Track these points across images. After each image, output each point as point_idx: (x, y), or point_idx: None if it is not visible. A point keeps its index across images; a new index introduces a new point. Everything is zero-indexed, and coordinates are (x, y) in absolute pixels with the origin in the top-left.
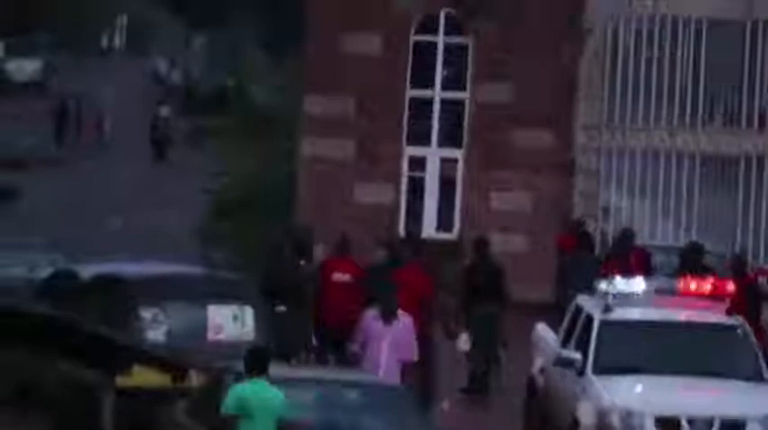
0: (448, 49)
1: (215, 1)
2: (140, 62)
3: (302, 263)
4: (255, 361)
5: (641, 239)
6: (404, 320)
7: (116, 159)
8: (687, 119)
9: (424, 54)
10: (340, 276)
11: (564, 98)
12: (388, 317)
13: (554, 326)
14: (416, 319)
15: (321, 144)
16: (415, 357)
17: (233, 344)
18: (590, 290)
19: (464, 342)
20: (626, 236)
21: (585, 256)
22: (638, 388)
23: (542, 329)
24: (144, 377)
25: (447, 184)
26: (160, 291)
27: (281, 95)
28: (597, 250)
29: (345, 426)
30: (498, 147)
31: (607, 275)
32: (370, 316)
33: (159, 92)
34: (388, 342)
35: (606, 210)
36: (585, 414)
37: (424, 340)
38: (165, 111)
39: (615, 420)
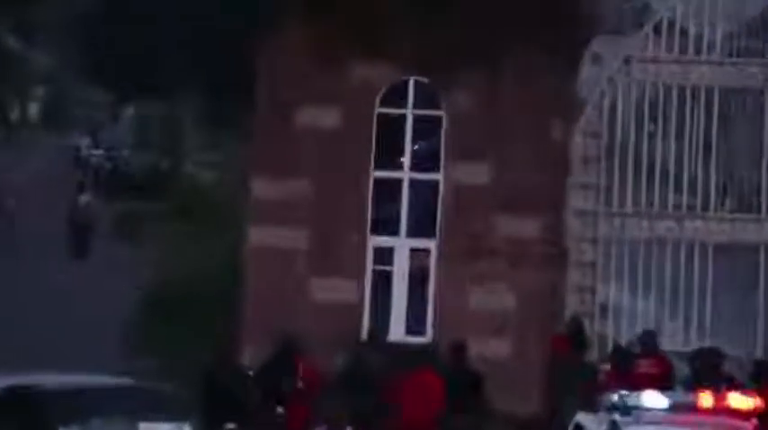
0: (418, 121)
1: (145, 68)
2: (58, 138)
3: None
4: None
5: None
6: None
7: (27, 253)
8: (698, 203)
9: (392, 127)
10: None
11: (554, 179)
12: None
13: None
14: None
15: (271, 233)
16: None
17: None
18: (589, 404)
19: None
20: (647, 339)
21: (581, 362)
22: None
23: None
24: None
25: (418, 280)
26: (83, 405)
27: (225, 177)
28: (595, 354)
29: None
30: (477, 237)
31: (608, 386)
32: None
33: (79, 173)
34: None
35: (605, 308)
36: None
37: None
38: (85, 197)
39: None
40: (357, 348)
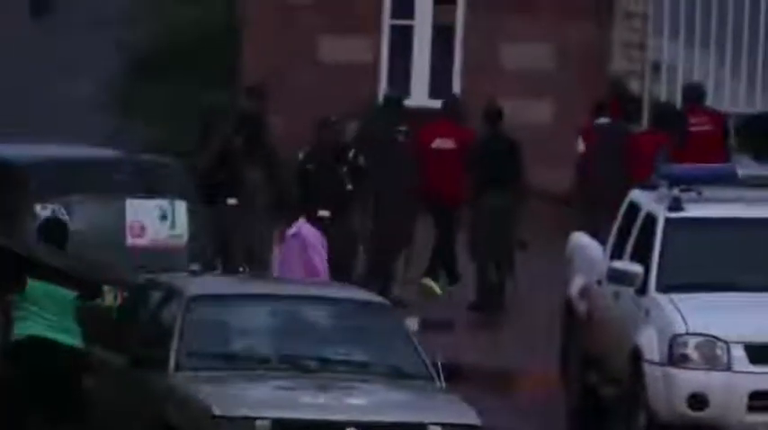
0: None
1: None
2: None
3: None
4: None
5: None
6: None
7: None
8: None
9: None
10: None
11: None
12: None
13: (589, 227)
14: None
15: None
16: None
17: (160, 249)
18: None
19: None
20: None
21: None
22: (720, 308)
23: (581, 238)
24: None
25: (442, 35)
26: (61, 180)
27: None
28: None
29: (307, 353)
30: None
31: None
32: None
33: None
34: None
35: (657, 67)
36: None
37: None
38: None
39: (692, 351)
40: (373, 114)
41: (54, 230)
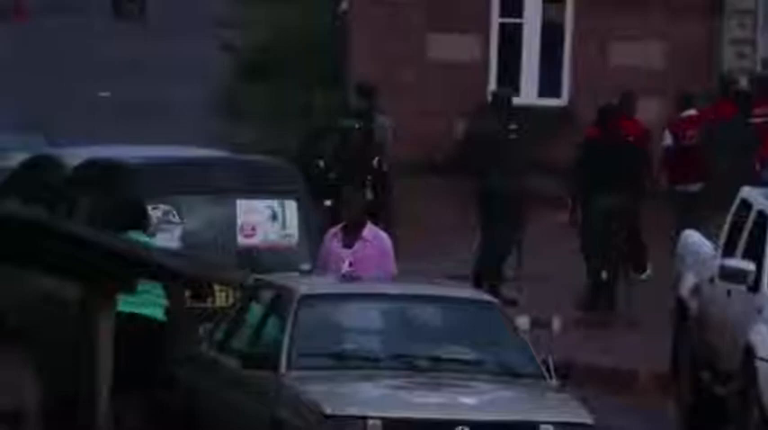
0: None
1: None
2: None
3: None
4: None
5: None
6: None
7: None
8: None
9: None
10: None
11: None
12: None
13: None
14: None
15: None
16: None
17: (271, 249)
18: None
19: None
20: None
21: (744, 125)
22: None
23: (692, 236)
24: (151, 303)
25: (552, 34)
26: (171, 181)
27: None
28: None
29: (417, 352)
30: None
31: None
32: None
33: None
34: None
35: (767, 63)
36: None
37: None
38: None
39: None
40: (482, 113)
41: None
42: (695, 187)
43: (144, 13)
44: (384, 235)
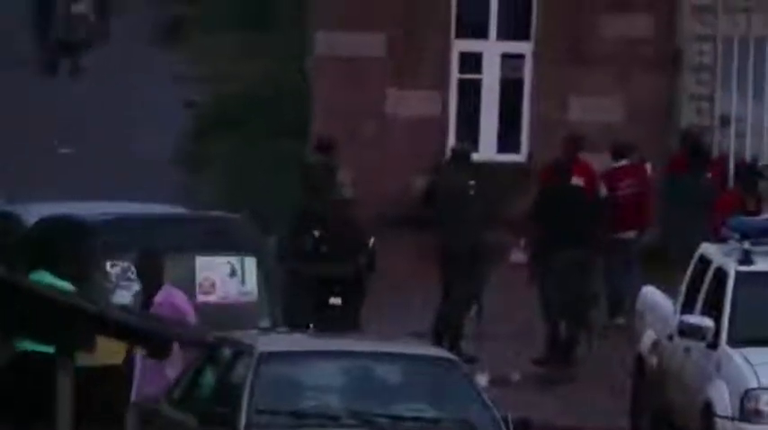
0: None
1: None
2: None
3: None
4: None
5: None
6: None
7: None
8: None
9: None
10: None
11: None
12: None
13: (663, 281)
14: None
15: (341, 38)
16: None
17: (230, 306)
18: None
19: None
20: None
21: (700, 182)
22: None
23: (651, 292)
24: (112, 352)
25: (511, 89)
26: (130, 237)
27: None
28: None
29: (378, 410)
30: (579, 38)
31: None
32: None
33: None
34: None
35: (725, 120)
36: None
37: None
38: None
39: (764, 406)
40: (441, 168)
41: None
42: (629, 235)
43: (79, 71)
44: (182, 296)
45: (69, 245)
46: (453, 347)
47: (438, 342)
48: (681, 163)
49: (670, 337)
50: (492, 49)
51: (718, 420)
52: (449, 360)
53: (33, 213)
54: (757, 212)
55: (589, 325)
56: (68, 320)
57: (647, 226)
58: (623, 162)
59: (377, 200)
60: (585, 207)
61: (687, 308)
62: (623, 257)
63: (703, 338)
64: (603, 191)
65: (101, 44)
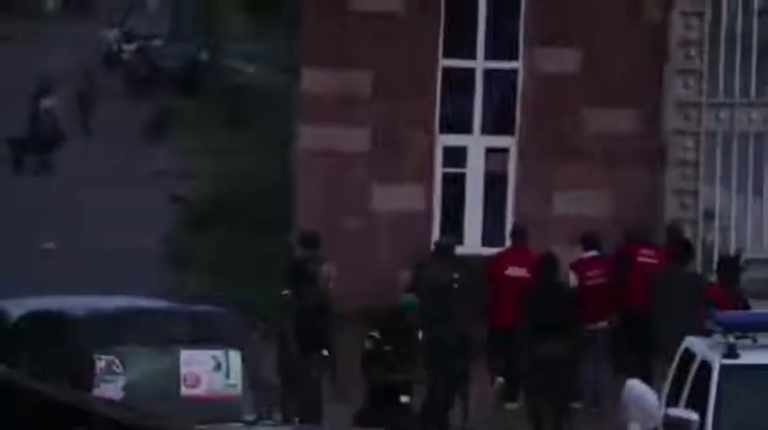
0: (493, 3)
1: None
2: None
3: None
4: None
5: (757, 253)
6: None
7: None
8: None
9: (462, 11)
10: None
11: (650, 67)
12: None
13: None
14: None
15: (325, 133)
16: None
17: (215, 400)
18: (697, 324)
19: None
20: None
21: (684, 275)
22: None
23: (637, 386)
24: None
25: (495, 183)
26: (116, 332)
27: (271, 69)
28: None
29: None
30: (563, 133)
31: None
32: None
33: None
34: None
35: (709, 214)
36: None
37: None
38: (48, 102)
39: None
40: (426, 262)
41: None
42: (599, 325)
43: (48, 169)
44: None
45: (54, 339)
46: None
47: None
48: (667, 256)
49: None
50: (476, 143)
51: None
52: None
53: (19, 308)
54: (737, 306)
55: (569, 418)
56: (54, 414)
57: (615, 316)
58: (593, 253)
59: (362, 295)
60: (568, 304)
61: (672, 400)
62: (592, 347)
63: None
64: (574, 280)
65: (82, 139)
